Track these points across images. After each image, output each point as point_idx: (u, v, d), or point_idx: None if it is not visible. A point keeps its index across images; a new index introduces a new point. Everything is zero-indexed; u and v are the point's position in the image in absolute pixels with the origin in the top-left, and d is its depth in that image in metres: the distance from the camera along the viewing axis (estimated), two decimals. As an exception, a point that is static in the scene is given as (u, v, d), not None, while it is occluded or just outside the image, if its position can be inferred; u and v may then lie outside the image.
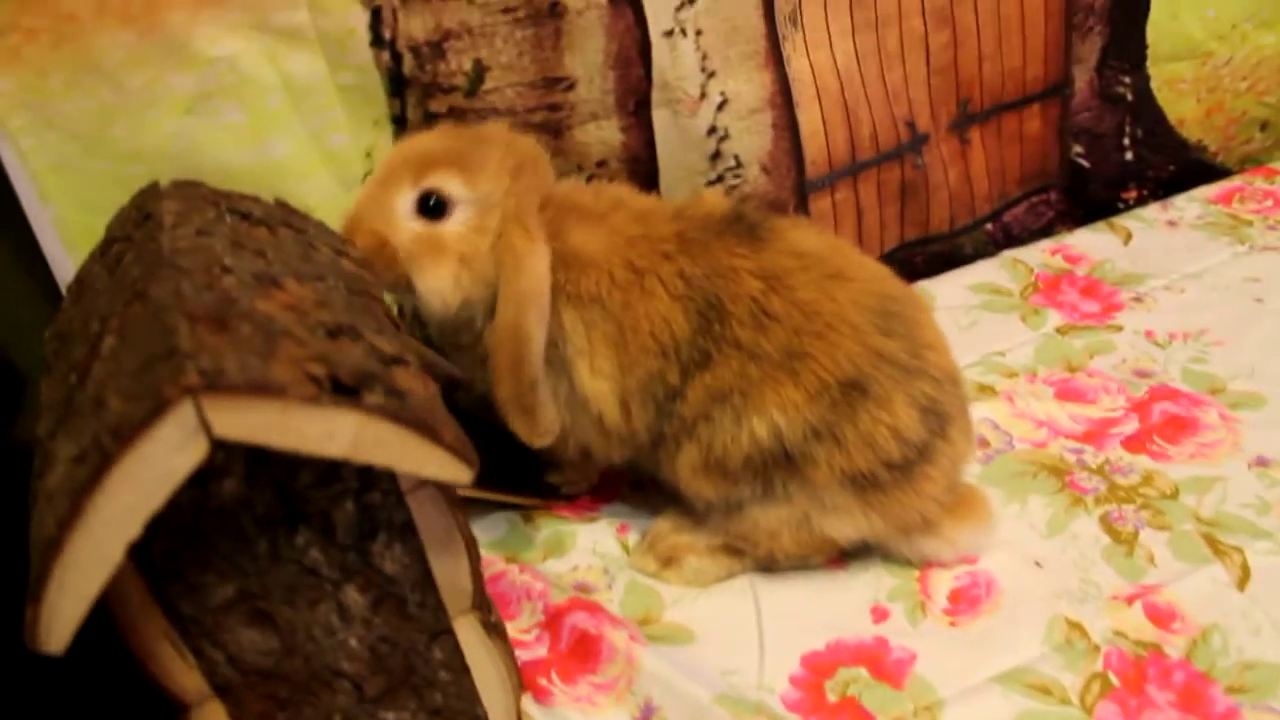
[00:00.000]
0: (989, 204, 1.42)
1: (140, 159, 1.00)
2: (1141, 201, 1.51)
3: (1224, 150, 1.53)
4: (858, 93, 1.25)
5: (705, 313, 0.90)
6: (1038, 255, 1.40)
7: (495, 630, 0.83)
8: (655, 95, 1.14)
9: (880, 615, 0.94)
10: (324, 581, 0.74)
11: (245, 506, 0.69)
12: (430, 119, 1.09)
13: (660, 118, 1.16)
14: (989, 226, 1.43)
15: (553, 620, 0.96)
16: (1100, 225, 1.44)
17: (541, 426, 0.93)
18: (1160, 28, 1.41)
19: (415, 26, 1.05)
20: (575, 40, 1.09)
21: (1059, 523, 1.01)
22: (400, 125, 1.09)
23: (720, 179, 1.20)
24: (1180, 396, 1.14)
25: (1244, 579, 0.94)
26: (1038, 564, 0.97)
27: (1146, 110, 1.46)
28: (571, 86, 1.12)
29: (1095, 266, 1.36)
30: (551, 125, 1.13)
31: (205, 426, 0.55)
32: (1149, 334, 1.23)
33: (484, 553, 1.02)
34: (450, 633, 0.80)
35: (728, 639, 0.94)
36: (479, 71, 1.08)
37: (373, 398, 0.61)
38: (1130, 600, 0.92)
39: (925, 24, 1.27)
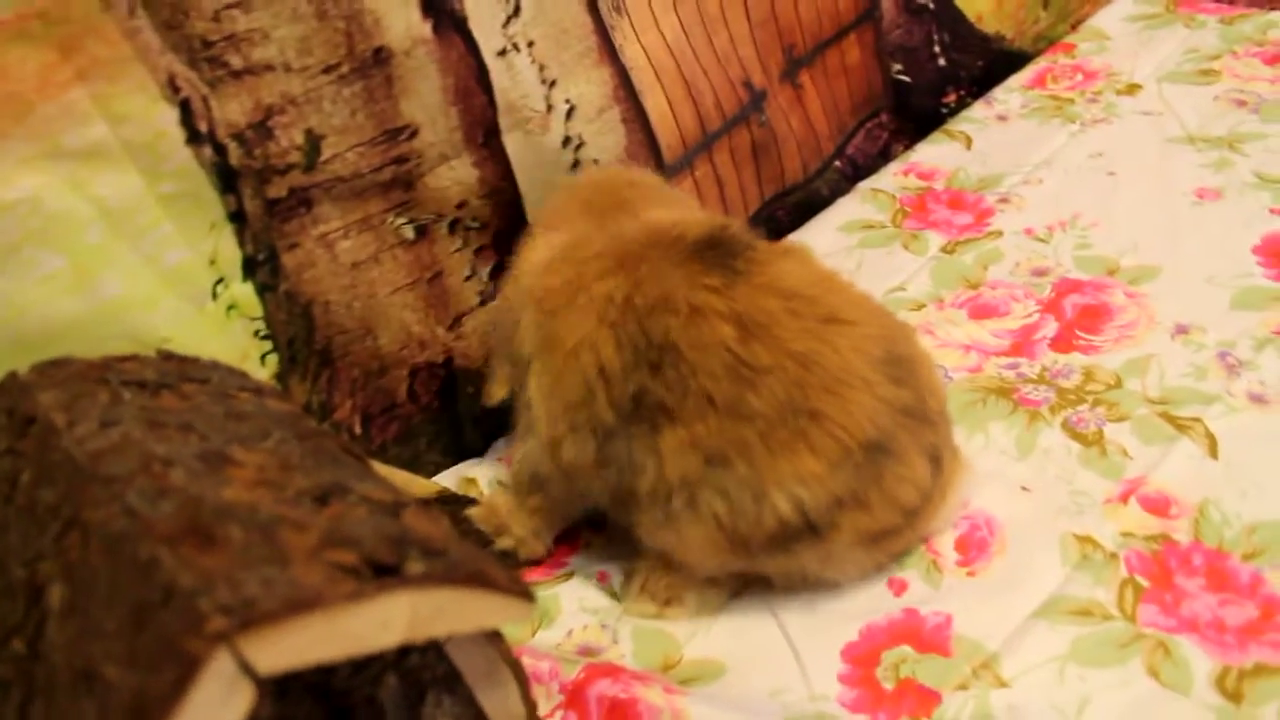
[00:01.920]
0: (831, 142, 1.41)
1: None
2: (962, 103, 1.53)
3: (1019, 35, 1.58)
4: (693, 65, 1.20)
5: (645, 351, 0.83)
6: (891, 180, 1.40)
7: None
8: (503, 120, 1.06)
9: (900, 587, 0.92)
10: (382, 764, 0.64)
11: (282, 722, 0.59)
12: (272, 206, 0.98)
13: (512, 141, 1.08)
14: (837, 163, 1.43)
15: (575, 697, 0.88)
16: (938, 136, 1.45)
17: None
18: (943, -67, 1.43)
19: (232, 111, 0.93)
20: (408, 84, 1.00)
21: (1027, 442, 1.01)
22: (240, 221, 0.97)
23: (586, 188, 1.13)
24: (1084, 286, 1.16)
25: (1213, 446, 0.96)
26: (1024, 489, 0.97)
27: (948, 14, 1.48)
28: (414, 134, 1.02)
29: (950, 178, 1.37)
30: (401, 179, 1.03)
31: (247, 669, 0.45)
32: (1028, 231, 1.25)
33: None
34: (508, 754, 0.72)
35: (761, 659, 0.89)
36: (313, 142, 0.97)
37: (414, 566, 0.52)
38: (1124, 499, 0.93)
39: (737, -20, 1.24)
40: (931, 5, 1.46)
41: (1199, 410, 0.99)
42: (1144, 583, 0.87)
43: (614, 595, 0.98)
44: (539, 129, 1.08)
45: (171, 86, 0.90)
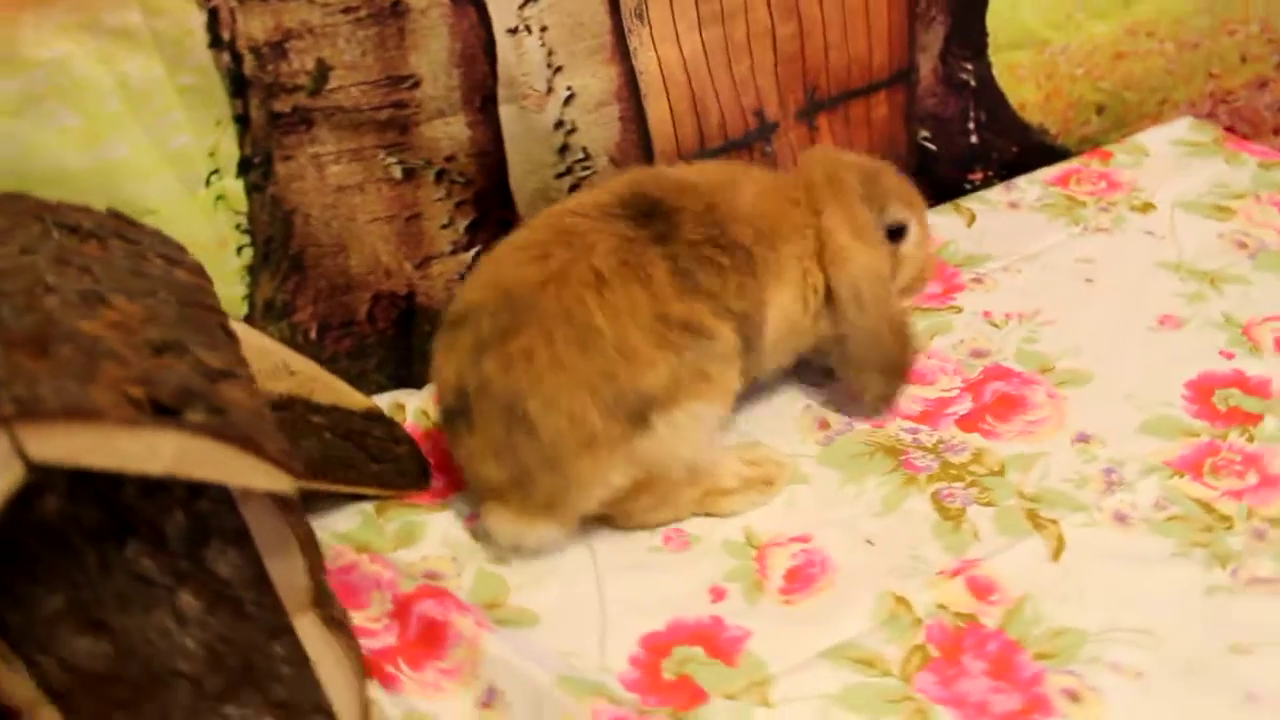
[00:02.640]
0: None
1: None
2: (987, 183, 1.57)
3: (1064, 132, 1.60)
4: (705, 84, 1.28)
5: None
6: None
7: (337, 624, 0.85)
8: (501, 92, 1.16)
9: (719, 595, 0.99)
10: (157, 588, 0.75)
11: (71, 522, 0.70)
12: (275, 119, 1.09)
13: (507, 113, 1.17)
14: (839, 210, 1.48)
15: (401, 609, 0.98)
16: (946, 207, 1.50)
17: None
18: (1000, 17, 1.47)
19: (255, 27, 1.04)
20: (419, 39, 1.10)
21: (892, 501, 1.06)
22: (243, 125, 1.09)
23: (569, 171, 1.23)
24: (1012, 376, 1.20)
25: (1059, 550, 1.00)
26: (869, 542, 1.03)
27: (988, 95, 1.52)
28: (417, 84, 1.13)
29: (941, 248, 1.42)
30: (398, 122, 1.14)
31: (20, 452, 0.56)
32: (986, 314, 1.29)
33: (335, 544, 1.05)
34: (290, 629, 0.82)
35: (571, 622, 0.97)
36: (322, 71, 1.08)
37: (194, 416, 0.62)
38: (954, 574, 0.98)
39: (771, 16, 1.30)
40: (973, 83, 1.50)
41: (1062, 514, 1.03)
42: (934, 652, 0.92)
43: (475, 537, 1.07)
44: (535, 107, 1.18)
45: (206, -7, 1.02)
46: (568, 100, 1.19)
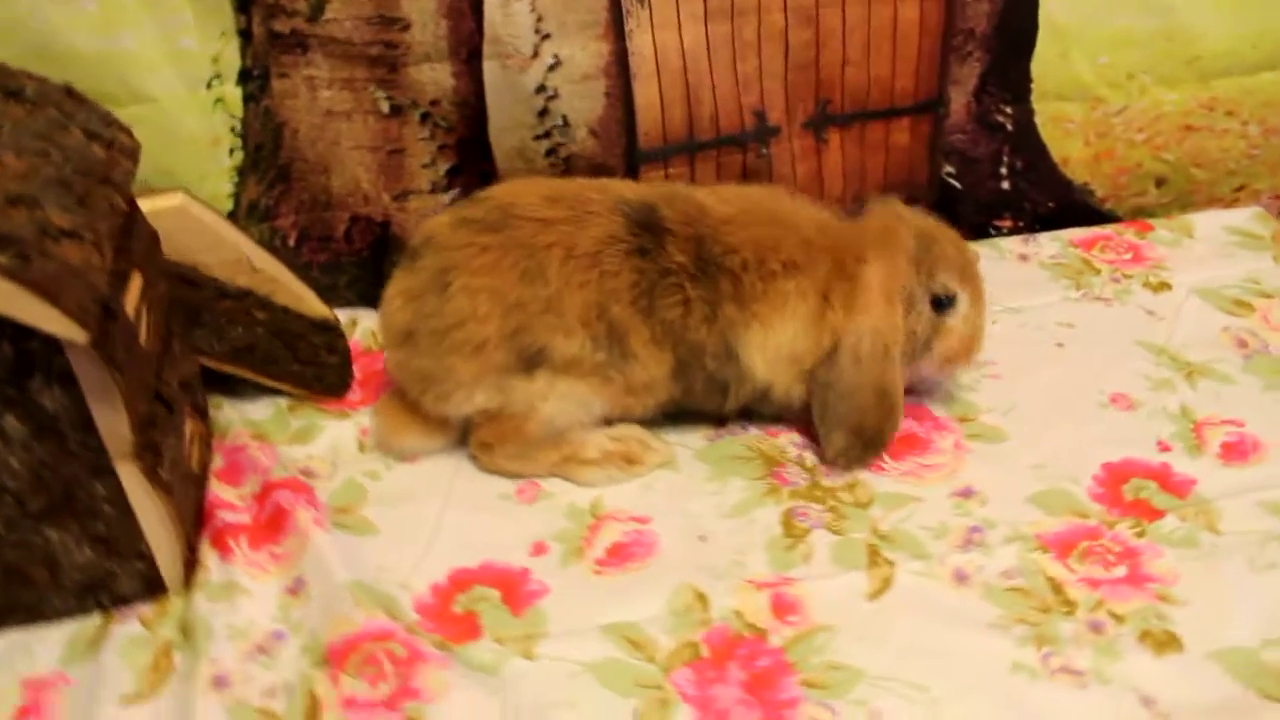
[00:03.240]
0: (841, 204, 1.45)
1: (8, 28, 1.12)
2: (1017, 231, 1.52)
3: (1114, 198, 1.53)
4: (702, 75, 1.30)
5: None
6: None
7: (162, 484, 0.95)
8: (486, 48, 1.22)
9: (539, 550, 1.03)
10: (-17, 407, 0.86)
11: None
12: (275, 38, 1.20)
13: (490, 69, 1.23)
14: (842, 228, 1.47)
15: (264, 493, 1.07)
16: (957, 247, 1.46)
17: None
18: (1047, 64, 1.41)
19: (260, -51, 1.15)
20: (410, -15, 1.18)
21: (744, 507, 1.08)
22: (246, 39, 1.20)
23: (548, 134, 1.27)
24: (927, 418, 1.18)
25: (880, 591, 0.99)
26: (702, 538, 1.04)
27: (1027, 143, 1.47)
28: (406, 27, 1.20)
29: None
30: (388, 60, 1.22)
31: None
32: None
33: (240, 427, 1.15)
34: (112, 473, 0.92)
35: (400, 541, 1.04)
36: (320, 0, 1.18)
37: (2, 258, 0.72)
38: (764, 586, 0.99)
39: (786, 20, 1.31)
40: (1010, 127, 1.46)
41: (903, 559, 1.01)
42: (705, 653, 0.93)
43: (361, 449, 1.15)
44: (517, 68, 1.23)
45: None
46: (552, 67, 1.24)
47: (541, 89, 1.25)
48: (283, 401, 1.20)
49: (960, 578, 1.00)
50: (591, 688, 0.90)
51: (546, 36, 1.23)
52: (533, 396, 1.06)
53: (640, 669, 0.92)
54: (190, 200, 1.20)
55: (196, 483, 1.05)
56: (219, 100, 1.23)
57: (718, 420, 1.18)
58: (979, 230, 1.51)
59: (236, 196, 1.28)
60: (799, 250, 1.08)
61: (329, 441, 1.16)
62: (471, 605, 0.97)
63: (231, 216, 1.27)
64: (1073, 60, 1.41)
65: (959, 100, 1.43)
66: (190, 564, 1.01)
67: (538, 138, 1.28)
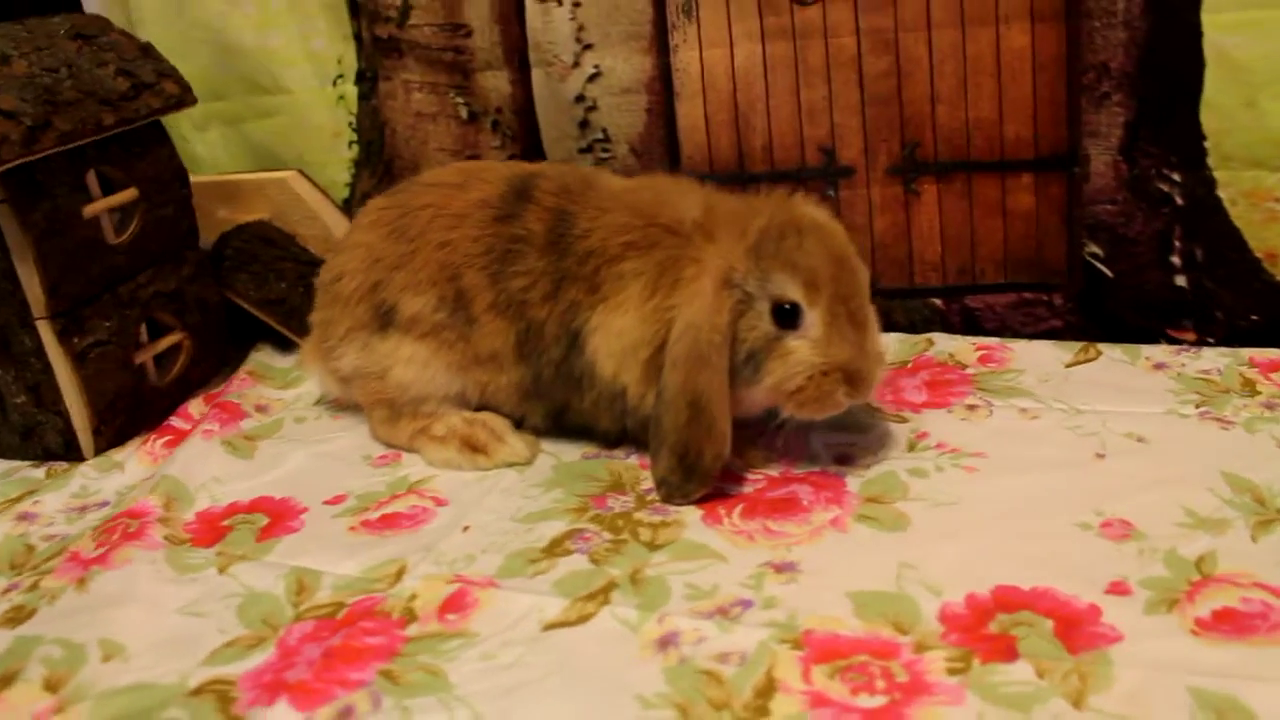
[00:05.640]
0: (939, 275, 1.20)
1: (199, 26, 1.42)
2: (1203, 344, 1.13)
3: (1365, 319, 1.07)
4: (756, 100, 1.19)
5: None
6: (952, 344, 1.18)
7: (73, 351, 1.10)
8: (531, 54, 1.25)
9: (336, 500, 1.01)
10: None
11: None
12: (377, 42, 1.35)
13: (536, 76, 1.25)
14: (937, 301, 1.21)
15: (216, 409, 1.19)
16: (1093, 346, 1.13)
17: None
18: (1227, 117, 1.05)
19: (367, -38, 1.31)
20: (469, -8, 1.26)
21: (538, 516, 0.95)
22: (359, 43, 1.36)
23: (590, 149, 1.25)
24: (830, 487, 0.93)
25: (567, 623, 0.80)
26: (466, 529, 0.93)
27: (1209, 226, 1.09)
28: (470, 34, 1.28)
29: (986, 377, 1.10)
30: (460, 66, 1.31)
31: None
32: (942, 447, 0.99)
33: (248, 366, 1.29)
34: (35, 328, 1.09)
35: (253, 465, 1.09)
36: (406, 7, 1.31)
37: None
38: (458, 581, 0.86)
39: (859, 45, 1.15)
40: (1180, 200, 1.10)
41: (628, 606, 0.81)
42: (341, 614, 0.83)
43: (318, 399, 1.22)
44: (558, 76, 1.24)
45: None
46: (592, 78, 1.23)
47: (580, 99, 1.24)
48: (296, 355, 1.31)
49: (665, 643, 0.77)
50: (222, 612, 0.85)
51: (589, 46, 1.22)
52: (386, 357, 1.04)
53: (274, 609, 0.85)
54: (299, 178, 1.39)
55: (136, 374, 1.18)
56: (341, 97, 1.40)
57: (611, 442, 1.04)
58: (1148, 338, 1.15)
59: (352, 185, 1.43)
60: (644, 231, 0.94)
61: (302, 389, 1.24)
62: (233, 523, 0.98)
63: (346, 203, 1.43)
64: (1266, 112, 1.04)
65: (1100, 159, 1.12)
66: (103, 437, 1.14)
67: (582, 150, 1.26)
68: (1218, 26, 1.04)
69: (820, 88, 1.18)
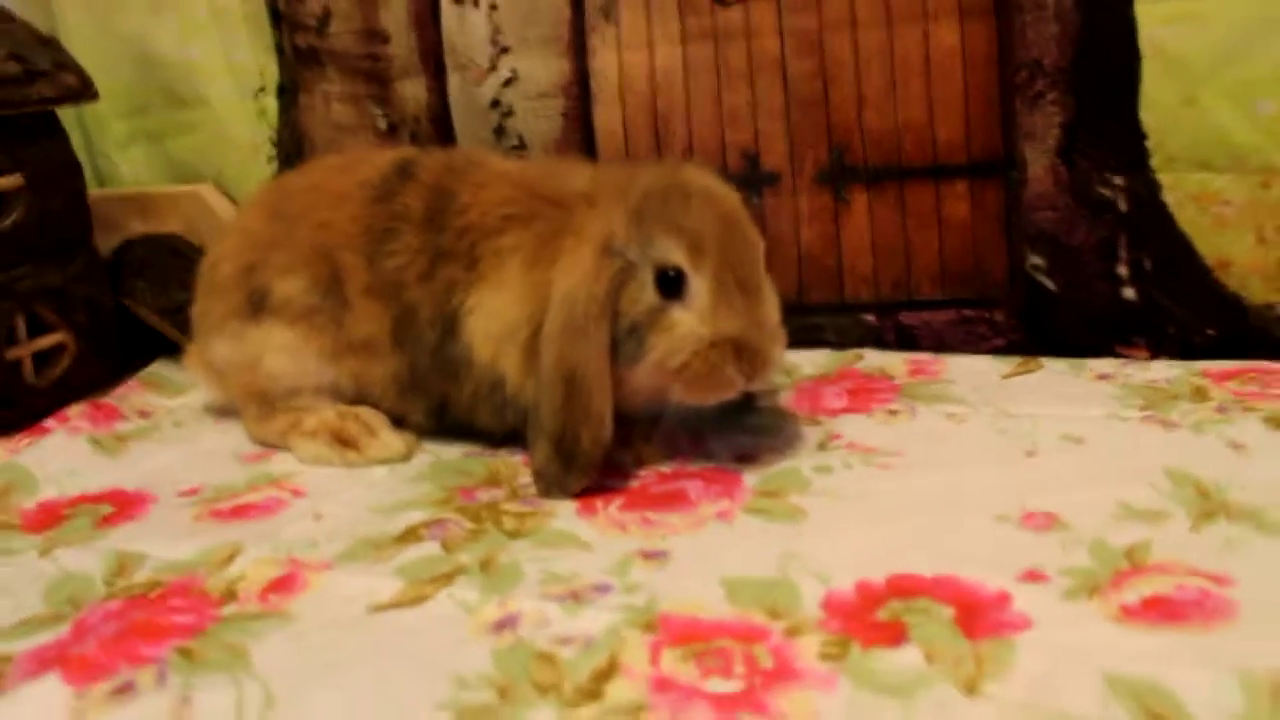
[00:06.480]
0: (871, 290, 1.12)
1: (122, 39, 1.37)
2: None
3: (1326, 332, 0.98)
4: (676, 104, 1.13)
5: None
6: (884, 359, 1.09)
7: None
8: (447, 59, 1.20)
9: (190, 491, 0.92)
10: None
11: None
12: (297, 52, 1.30)
13: (453, 81, 1.20)
14: (869, 317, 1.12)
15: (95, 408, 1.12)
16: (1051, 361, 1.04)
17: None
18: (1167, 115, 0.98)
19: (287, -30, 1.28)
20: (387, -1, 1.21)
21: (400, 506, 0.85)
22: (280, 53, 1.32)
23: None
24: (722, 480, 0.84)
25: (393, 605, 0.70)
26: (317, 517, 0.84)
27: (1157, 233, 1.02)
28: (386, 40, 1.23)
29: (916, 388, 1.00)
30: (378, 75, 1.25)
31: None
32: (852, 445, 0.89)
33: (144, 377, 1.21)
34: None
35: (143, 447, 0.99)
36: (325, 15, 1.26)
37: None
38: (292, 564, 0.76)
39: (783, 46, 1.10)
40: (1123, 205, 1.02)
41: (468, 589, 0.71)
42: (155, 593, 0.73)
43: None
44: (474, 80, 1.18)
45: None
46: (508, 82, 1.17)
47: (496, 104, 1.18)
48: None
49: (501, 625, 0.66)
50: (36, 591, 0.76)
51: (505, 50, 1.17)
52: (257, 345, 0.96)
53: (84, 589, 0.75)
54: (212, 191, 1.33)
55: (8, 370, 1.09)
56: (262, 111, 1.35)
57: (496, 442, 0.95)
58: (1090, 352, 1.05)
59: (270, 204, 1.37)
60: (526, 203, 0.87)
61: (190, 398, 1.15)
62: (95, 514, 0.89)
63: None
64: (1209, 108, 0.97)
65: (1038, 162, 1.05)
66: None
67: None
68: (1153, 18, 0.98)
69: (743, 91, 1.12)
